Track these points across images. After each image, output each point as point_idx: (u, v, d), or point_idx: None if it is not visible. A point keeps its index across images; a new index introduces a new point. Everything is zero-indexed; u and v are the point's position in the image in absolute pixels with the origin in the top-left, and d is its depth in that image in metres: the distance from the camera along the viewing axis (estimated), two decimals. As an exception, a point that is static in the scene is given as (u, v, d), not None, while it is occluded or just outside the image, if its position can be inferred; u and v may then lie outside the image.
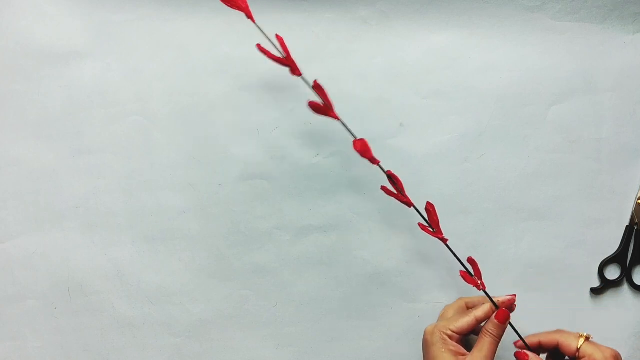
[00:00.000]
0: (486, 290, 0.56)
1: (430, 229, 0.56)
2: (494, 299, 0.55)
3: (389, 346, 0.62)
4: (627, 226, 0.62)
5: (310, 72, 0.63)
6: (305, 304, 0.63)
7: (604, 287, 0.62)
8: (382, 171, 0.55)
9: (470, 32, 0.63)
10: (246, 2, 0.55)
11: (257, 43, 0.54)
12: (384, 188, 0.56)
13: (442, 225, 0.62)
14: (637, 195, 0.62)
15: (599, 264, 0.62)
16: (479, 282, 0.56)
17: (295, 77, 0.63)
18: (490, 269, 0.62)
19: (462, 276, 0.56)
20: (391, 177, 0.56)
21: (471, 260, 0.56)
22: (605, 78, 0.63)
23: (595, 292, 0.62)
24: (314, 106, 0.55)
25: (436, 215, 0.56)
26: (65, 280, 0.63)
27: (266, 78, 0.63)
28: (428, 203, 0.56)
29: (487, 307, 0.55)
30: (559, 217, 0.62)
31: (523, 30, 0.63)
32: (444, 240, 0.56)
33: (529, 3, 0.62)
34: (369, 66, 0.63)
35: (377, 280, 0.63)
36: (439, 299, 0.62)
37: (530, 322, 0.61)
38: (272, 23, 0.63)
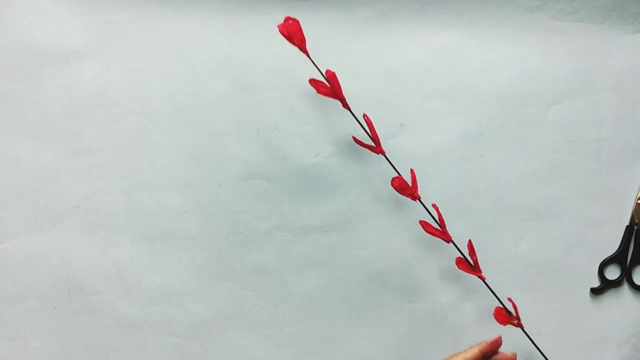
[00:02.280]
0: (524, 328, 0.57)
1: (470, 267, 0.57)
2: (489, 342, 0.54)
3: (389, 346, 0.62)
4: (627, 226, 0.62)
5: (310, 72, 0.63)
6: (305, 304, 0.63)
7: (604, 287, 0.62)
8: (423, 207, 0.57)
9: (470, 32, 0.63)
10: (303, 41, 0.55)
11: (310, 78, 0.55)
12: (422, 222, 0.57)
13: (442, 225, 0.62)
14: (637, 195, 0.62)
15: (599, 264, 0.62)
16: (516, 321, 0.56)
17: (295, 78, 0.63)
18: (491, 269, 0.62)
19: (496, 315, 0.55)
20: (432, 211, 0.57)
21: (511, 300, 0.57)
22: (605, 78, 0.63)
23: (595, 292, 0.62)
24: (357, 141, 0.57)
25: (475, 254, 0.57)
26: (65, 280, 0.63)
27: (266, 78, 0.63)
28: (470, 242, 0.57)
29: (476, 350, 0.53)
30: (559, 217, 0.62)
31: (523, 30, 0.63)
32: (482, 278, 0.57)
33: (529, 3, 0.62)
34: (369, 66, 0.63)
35: (377, 280, 0.63)
36: (439, 299, 0.62)
37: (531, 322, 0.61)
38: (272, 23, 0.63)
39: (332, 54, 0.63)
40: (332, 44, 0.63)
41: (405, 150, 0.63)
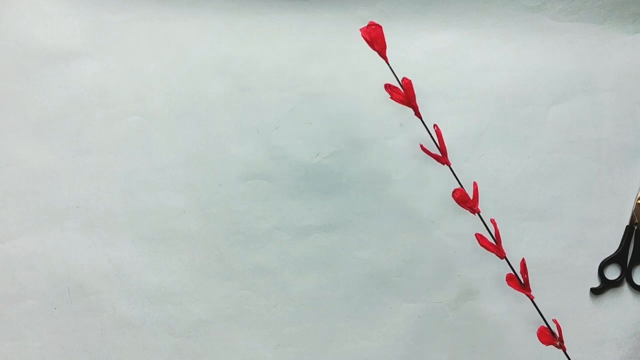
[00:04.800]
0: (566, 351, 0.55)
1: (520, 285, 0.55)
2: None
3: (389, 346, 0.62)
4: (627, 226, 0.62)
5: (310, 72, 0.63)
6: (305, 304, 0.63)
7: (604, 287, 0.62)
8: (481, 220, 0.55)
9: (470, 32, 0.63)
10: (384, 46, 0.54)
11: (385, 83, 0.54)
12: (478, 235, 0.55)
13: (442, 225, 0.62)
14: (637, 195, 0.62)
15: (599, 264, 0.62)
16: (559, 343, 0.54)
17: (295, 78, 0.63)
18: (490, 269, 0.62)
19: (539, 335, 0.54)
20: (488, 226, 0.55)
21: (555, 322, 0.55)
22: (605, 78, 0.63)
23: (595, 292, 0.62)
24: (425, 150, 0.55)
25: (526, 272, 0.55)
26: (65, 280, 0.63)
27: (266, 78, 0.63)
28: (523, 260, 0.55)
29: None
30: (559, 217, 0.62)
31: (523, 30, 0.63)
32: (531, 297, 0.55)
33: (529, 3, 0.62)
34: (369, 66, 0.63)
35: (377, 280, 0.63)
36: (439, 299, 0.62)
37: (530, 322, 0.61)
38: (273, 23, 0.64)
39: (332, 54, 0.63)
40: (332, 44, 0.63)
41: (405, 150, 0.63)
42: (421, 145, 0.55)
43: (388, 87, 0.55)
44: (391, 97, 0.55)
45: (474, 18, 0.63)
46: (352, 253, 0.63)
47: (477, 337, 0.61)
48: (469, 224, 0.62)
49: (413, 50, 0.63)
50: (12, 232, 0.63)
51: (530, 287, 0.55)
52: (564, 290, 0.62)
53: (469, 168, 0.63)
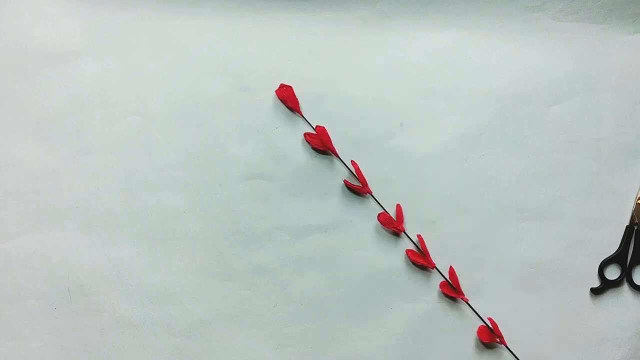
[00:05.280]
0: (507, 345, 0.60)
1: (454, 290, 0.61)
2: None
3: (389, 346, 0.62)
4: (627, 226, 0.62)
5: (310, 72, 0.63)
6: (305, 304, 0.63)
7: (604, 287, 0.62)
8: (408, 238, 0.61)
9: (470, 32, 0.63)
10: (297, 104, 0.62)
11: (305, 132, 0.62)
12: (408, 252, 0.61)
13: (442, 225, 0.62)
14: (637, 195, 0.62)
15: (599, 264, 0.62)
16: (499, 339, 0.60)
17: (295, 78, 0.63)
18: (490, 269, 0.62)
19: (479, 334, 0.60)
20: (416, 241, 0.61)
21: (491, 320, 0.60)
22: (605, 78, 0.63)
23: (595, 292, 0.62)
24: (347, 184, 0.62)
25: (456, 277, 0.61)
26: (65, 280, 0.63)
27: (266, 78, 0.63)
28: (451, 267, 0.61)
29: None
30: (559, 217, 0.62)
31: (523, 30, 0.63)
32: (465, 300, 0.60)
33: (529, 3, 0.62)
34: (369, 66, 0.63)
35: (377, 280, 0.63)
36: (439, 299, 0.62)
37: (530, 322, 0.61)
38: (272, 23, 0.64)
39: (332, 54, 0.63)
40: (332, 44, 0.63)
41: (405, 150, 0.63)
42: (344, 180, 0.62)
43: (307, 136, 0.62)
44: (311, 145, 0.61)
45: (474, 18, 0.63)
46: (352, 253, 0.63)
47: (476, 337, 0.61)
48: (469, 223, 0.62)
49: (413, 50, 0.63)
50: (12, 232, 0.63)
51: (463, 291, 0.61)
52: (564, 290, 0.62)
53: (469, 168, 0.63)
